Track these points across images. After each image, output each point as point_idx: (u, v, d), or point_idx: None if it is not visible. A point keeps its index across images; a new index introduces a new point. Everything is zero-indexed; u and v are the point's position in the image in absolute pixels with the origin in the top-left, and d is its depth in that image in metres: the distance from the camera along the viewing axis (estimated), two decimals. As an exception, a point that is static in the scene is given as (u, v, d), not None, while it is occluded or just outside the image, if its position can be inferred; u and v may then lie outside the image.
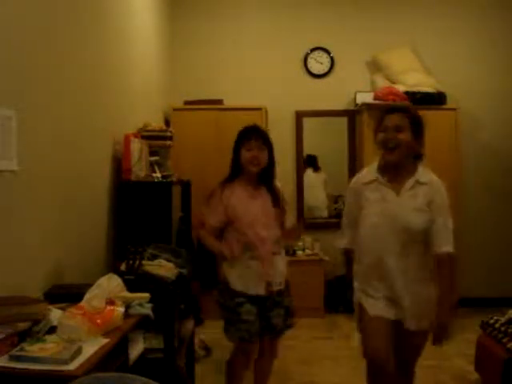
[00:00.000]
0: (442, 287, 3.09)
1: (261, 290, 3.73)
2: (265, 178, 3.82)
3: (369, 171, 3.30)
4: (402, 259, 3.13)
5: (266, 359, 3.98)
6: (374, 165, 3.28)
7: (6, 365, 2.11)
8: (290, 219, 4.00)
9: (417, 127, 3.28)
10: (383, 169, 3.22)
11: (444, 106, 6.67)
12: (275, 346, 4.02)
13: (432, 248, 3.11)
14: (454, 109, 6.68)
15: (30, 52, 3.02)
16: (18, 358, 2.13)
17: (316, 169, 7.40)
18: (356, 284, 3.35)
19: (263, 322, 3.79)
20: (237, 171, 3.84)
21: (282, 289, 3.83)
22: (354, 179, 3.42)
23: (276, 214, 3.79)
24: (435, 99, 6.66)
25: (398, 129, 3.15)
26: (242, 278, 3.74)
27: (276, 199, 3.80)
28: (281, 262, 3.85)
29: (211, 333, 5.65)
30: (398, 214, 3.12)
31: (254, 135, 3.78)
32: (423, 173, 3.25)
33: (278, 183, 3.95)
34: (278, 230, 3.80)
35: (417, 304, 3.14)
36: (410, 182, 3.18)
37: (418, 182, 3.19)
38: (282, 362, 5.14)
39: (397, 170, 3.20)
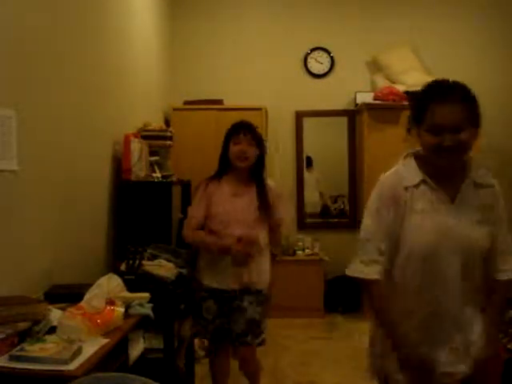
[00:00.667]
0: (493, 318, 2.33)
1: (227, 285, 3.63)
2: (254, 175, 3.75)
3: (408, 170, 2.37)
4: (466, 297, 2.27)
5: (245, 369, 3.85)
6: (411, 162, 2.40)
7: (6, 365, 2.11)
8: (280, 213, 3.84)
9: (477, 116, 2.23)
10: (428, 168, 2.32)
11: (444, 106, 6.65)
12: (248, 357, 3.78)
13: (495, 272, 2.32)
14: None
15: (30, 52, 3.02)
16: (18, 358, 2.14)
17: (309, 168, 7.39)
18: (380, 347, 2.39)
19: (224, 324, 3.70)
20: (225, 167, 3.78)
21: (256, 289, 3.67)
22: (389, 181, 2.38)
23: (261, 214, 3.68)
24: (435, 99, 6.65)
25: (457, 129, 2.15)
26: (211, 270, 3.68)
27: (263, 199, 3.69)
28: (259, 265, 3.70)
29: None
30: (458, 230, 2.24)
31: (242, 130, 3.73)
32: (480, 171, 2.34)
33: (272, 182, 3.88)
34: (259, 230, 3.67)
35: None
36: (466, 185, 2.28)
37: (475, 185, 2.30)
38: (280, 362, 5.14)
39: (447, 168, 2.29)
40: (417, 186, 2.29)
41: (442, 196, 2.26)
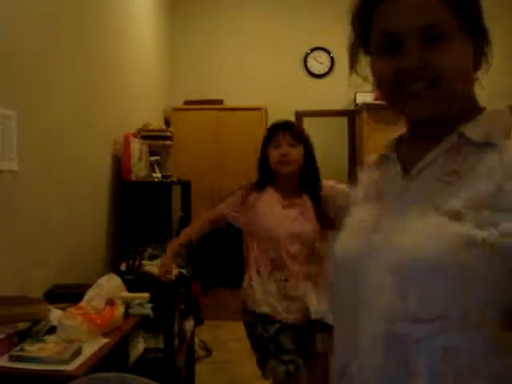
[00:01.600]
0: None
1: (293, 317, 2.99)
2: (305, 182, 3.10)
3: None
4: None
5: None
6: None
7: (6, 365, 2.11)
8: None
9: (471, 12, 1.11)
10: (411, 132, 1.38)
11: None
12: None
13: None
14: (455, 108, 6.66)
15: (31, 52, 3.02)
16: (17, 358, 2.14)
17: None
18: None
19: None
20: (266, 176, 3.16)
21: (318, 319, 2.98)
22: None
23: (318, 227, 3.03)
24: (436, 99, 6.65)
25: (430, 36, 1.08)
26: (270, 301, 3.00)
27: (319, 208, 3.05)
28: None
29: (211, 333, 5.67)
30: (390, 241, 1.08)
31: (281, 129, 3.12)
32: (481, 117, 1.14)
33: (330, 182, 3.18)
34: (314, 248, 3.04)
35: None
36: (443, 146, 1.13)
37: (465, 142, 1.10)
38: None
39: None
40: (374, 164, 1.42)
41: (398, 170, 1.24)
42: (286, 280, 2.95)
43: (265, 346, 3.00)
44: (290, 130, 3.11)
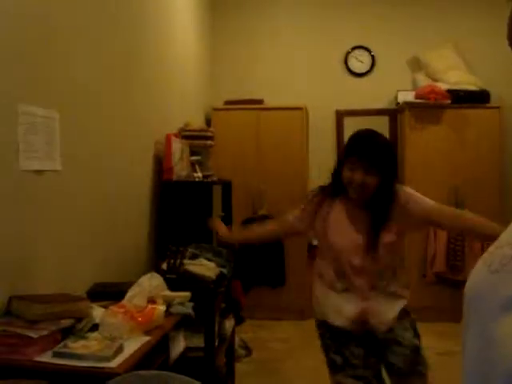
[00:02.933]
0: None
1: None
2: (372, 204, 2.84)
3: None
4: None
5: None
6: None
7: (50, 361, 2.14)
8: (424, 206, 2.82)
9: None
10: None
11: (487, 105, 6.56)
12: None
13: None
14: (498, 107, 6.56)
15: (73, 54, 3.06)
16: (61, 355, 2.17)
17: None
18: None
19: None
20: (338, 188, 2.90)
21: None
22: None
23: (386, 241, 2.83)
24: (478, 97, 6.56)
25: None
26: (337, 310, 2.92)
27: (379, 225, 2.83)
28: (388, 305, 2.93)
29: (252, 332, 5.67)
30: None
31: (357, 154, 2.75)
32: None
33: (408, 189, 2.91)
34: (386, 260, 2.88)
35: None
36: None
37: None
38: (320, 363, 5.12)
39: None
40: None
41: None
42: (346, 289, 2.88)
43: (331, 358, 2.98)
44: (369, 156, 2.72)
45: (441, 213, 2.84)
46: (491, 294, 1.05)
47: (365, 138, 2.82)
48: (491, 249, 1.17)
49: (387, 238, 2.82)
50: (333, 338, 2.95)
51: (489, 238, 2.73)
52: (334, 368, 2.96)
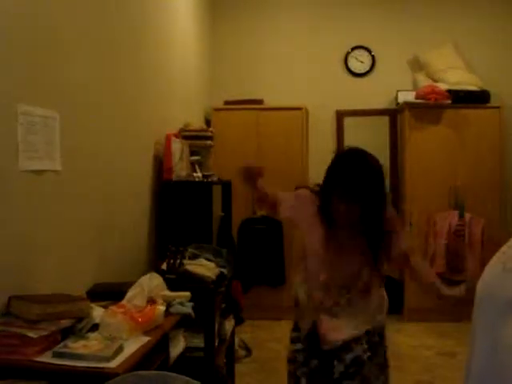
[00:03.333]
0: None
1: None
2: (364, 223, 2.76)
3: None
4: None
5: None
6: None
7: (50, 361, 2.14)
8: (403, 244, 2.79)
9: None
10: None
11: (487, 105, 6.56)
12: None
13: None
14: (498, 107, 6.56)
15: (73, 54, 3.06)
16: (61, 355, 2.17)
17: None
18: None
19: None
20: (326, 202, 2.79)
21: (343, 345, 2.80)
22: None
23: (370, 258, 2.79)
24: (478, 97, 6.56)
25: None
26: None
27: (374, 249, 2.78)
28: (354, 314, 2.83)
29: (251, 332, 5.67)
30: None
31: (344, 186, 2.67)
32: None
33: (391, 211, 2.88)
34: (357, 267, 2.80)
35: None
36: None
37: None
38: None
39: None
40: None
41: None
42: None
43: None
44: (355, 189, 2.63)
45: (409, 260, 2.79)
46: (502, 291, 1.05)
47: (354, 167, 2.75)
48: (504, 248, 1.18)
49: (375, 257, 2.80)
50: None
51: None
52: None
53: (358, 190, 2.64)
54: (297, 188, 3.21)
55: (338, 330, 2.78)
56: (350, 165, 2.78)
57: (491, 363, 1.07)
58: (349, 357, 2.76)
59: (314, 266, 2.83)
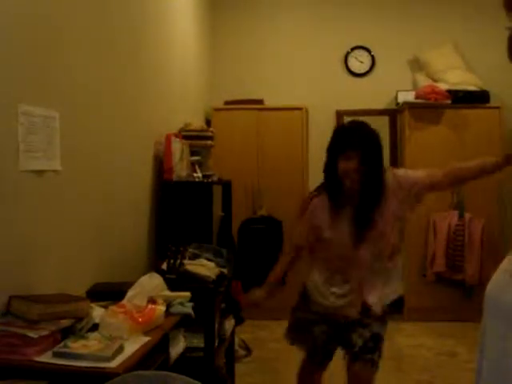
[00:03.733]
0: None
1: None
2: (361, 196, 3.06)
3: None
4: None
5: None
6: None
7: (50, 361, 2.14)
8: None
9: None
10: None
11: (487, 105, 6.56)
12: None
13: None
14: (498, 107, 6.56)
15: (72, 53, 3.06)
16: (61, 355, 2.17)
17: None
18: None
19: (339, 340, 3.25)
20: (332, 183, 3.10)
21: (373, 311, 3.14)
22: None
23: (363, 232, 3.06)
24: (478, 97, 6.56)
25: None
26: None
27: (362, 217, 3.05)
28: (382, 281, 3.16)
29: (251, 332, 5.67)
30: None
31: (348, 146, 3.01)
32: None
33: (398, 171, 3.23)
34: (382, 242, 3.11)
35: None
36: None
37: None
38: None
39: None
40: None
41: None
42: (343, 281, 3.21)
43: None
44: (359, 147, 3.01)
45: (435, 176, 3.11)
46: (508, 299, 1.05)
47: (354, 128, 3.15)
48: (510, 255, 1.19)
49: (374, 232, 3.05)
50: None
51: (489, 171, 3.02)
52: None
53: (357, 138, 3.00)
54: (302, 207, 3.31)
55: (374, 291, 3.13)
56: (347, 126, 3.26)
57: (500, 369, 1.07)
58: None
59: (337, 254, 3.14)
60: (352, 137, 3.03)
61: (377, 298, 3.12)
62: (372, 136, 3.10)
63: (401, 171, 3.25)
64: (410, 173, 3.18)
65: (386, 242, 3.10)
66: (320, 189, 3.20)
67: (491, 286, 1.16)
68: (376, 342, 3.08)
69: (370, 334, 3.08)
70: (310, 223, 3.18)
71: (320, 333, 3.24)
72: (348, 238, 3.06)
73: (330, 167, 3.08)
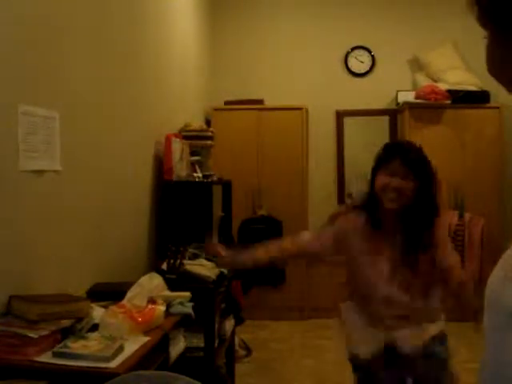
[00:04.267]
0: None
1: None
2: (406, 218, 2.62)
3: None
4: None
5: None
6: None
7: (50, 361, 2.14)
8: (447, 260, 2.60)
9: None
10: None
11: (487, 105, 6.56)
12: None
13: None
14: (498, 107, 6.56)
15: (72, 54, 3.06)
16: (61, 355, 2.17)
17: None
18: None
19: None
20: (372, 203, 2.68)
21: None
22: None
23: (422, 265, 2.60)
24: (478, 97, 6.56)
25: None
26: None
27: (408, 253, 2.60)
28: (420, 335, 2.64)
29: (251, 332, 5.67)
30: None
31: (394, 158, 2.60)
32: None
33: (448, 218, 2.92)
34: (421, 290, 2.64)
35: None
36: None
37: None
38: (320, 362, 5.13)
39: None
40: None
41: None
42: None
43: None
44: (408, 162, 2.59)
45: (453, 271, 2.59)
46: (505, 301, 1.06)
47: (401, 145, 2.79)
48: (506, 254, 1.18)
49: (425, 261, 2.59)
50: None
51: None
52: None
53: (411, 160, 2.59)
54: (332, 217, 2.91)
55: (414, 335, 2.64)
56: (393, 144, 2.87)
57: (497, 376, 1.08)
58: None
59: (373, 286, 2.67)
60: (397, 152, 2.64)
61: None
62: (420, 154, 2.69)
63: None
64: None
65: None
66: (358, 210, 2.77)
67: (489, 286, 1.17)
68: None
69: None
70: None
71: None
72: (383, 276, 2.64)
73: (370, 182, 2.67)
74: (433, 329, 2.68)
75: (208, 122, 6.54)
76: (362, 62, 7.18)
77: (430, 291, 2.66)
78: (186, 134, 4.94)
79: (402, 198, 2.56)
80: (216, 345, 3.77)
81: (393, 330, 2.62)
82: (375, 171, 2.64)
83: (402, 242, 2.61)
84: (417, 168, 2.58)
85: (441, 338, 2.70)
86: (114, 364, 2.13)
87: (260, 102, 6.74)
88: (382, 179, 2.58)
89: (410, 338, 2.62)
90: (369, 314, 2.69)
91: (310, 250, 2.85)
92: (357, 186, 6.99)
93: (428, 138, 6.42)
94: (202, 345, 3.57)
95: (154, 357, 2.53)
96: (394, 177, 2.55)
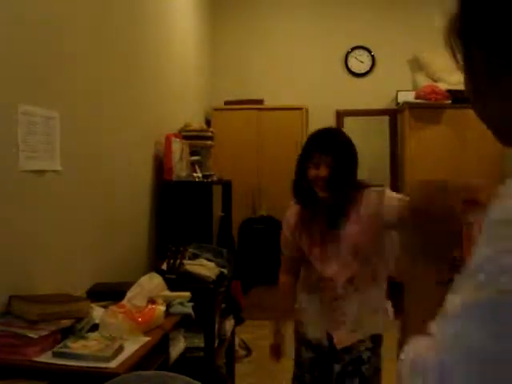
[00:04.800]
0: None
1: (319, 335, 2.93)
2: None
3: None
4: None
5: None
6: None
7: (50, 361, 2.15)
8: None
9: None
10: None
11: (487, 105, 6.55)
12: None
13: None
14: (498, 107, 6.54)
15: (73, 55, 3.06)
16: (61, 355, 2.17)
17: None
18: None
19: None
20: (301, 190, 2.86)
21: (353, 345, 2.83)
22: None
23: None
24: (478, 98, 6.55)
25: None
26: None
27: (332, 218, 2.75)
28: (359, 306, 2.79)
29: (251, 332, 5.66)
30: None
31: (317, 151, 2.78)
32: None
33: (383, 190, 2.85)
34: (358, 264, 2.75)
35: None
36: None
37: None
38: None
39: None
40: None
41: None
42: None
43: None
44: (330, 152, 2.74)
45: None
46: None
47: (321, 135, 2.90)
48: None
49: (350, 229, 2.72)
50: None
51: None
52: None
53: (328, 141, 2.79)
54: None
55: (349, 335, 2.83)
56: (314, 136, 2.95)
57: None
58: (348, 357, 2.85)
59: (315, 268, 2.85)
60: (320, 141, 2.83)
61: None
62: (341, 135, 2.91)
63: (388, 193, 2.81)
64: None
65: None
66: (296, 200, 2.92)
67: None
68: None
69: None
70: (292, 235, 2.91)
71: None
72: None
73: (299, 172, 2.89)
74: (367, 331, 2.83)
75: (208, 122, 6.54)
76: (361, 62, 7.18)
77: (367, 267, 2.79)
78: (186, 134, 4.93)
79: (329, 185, 2.71)
80: (216, 345, 3.77)
81: (334, 327, 2.84)
82: (302, 163, 2.86)
83: (325, 219, 2.78)
84: (336, 153, 2.71)
85: (373, 343, 2.86)
86: (113, 364, 2.13)
87: (260, 101, 6.74)
88: (310, 172, 2.75)
89: (344, 339, 2.83)
90: (319, 299, 2.88)
91: (297, 262, 2.97)
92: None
93: (428, 138, 6.43)
94: (202, 345, 3.57)
95: (153, 357, 2.53)
96: (319, 168, 2.72)
